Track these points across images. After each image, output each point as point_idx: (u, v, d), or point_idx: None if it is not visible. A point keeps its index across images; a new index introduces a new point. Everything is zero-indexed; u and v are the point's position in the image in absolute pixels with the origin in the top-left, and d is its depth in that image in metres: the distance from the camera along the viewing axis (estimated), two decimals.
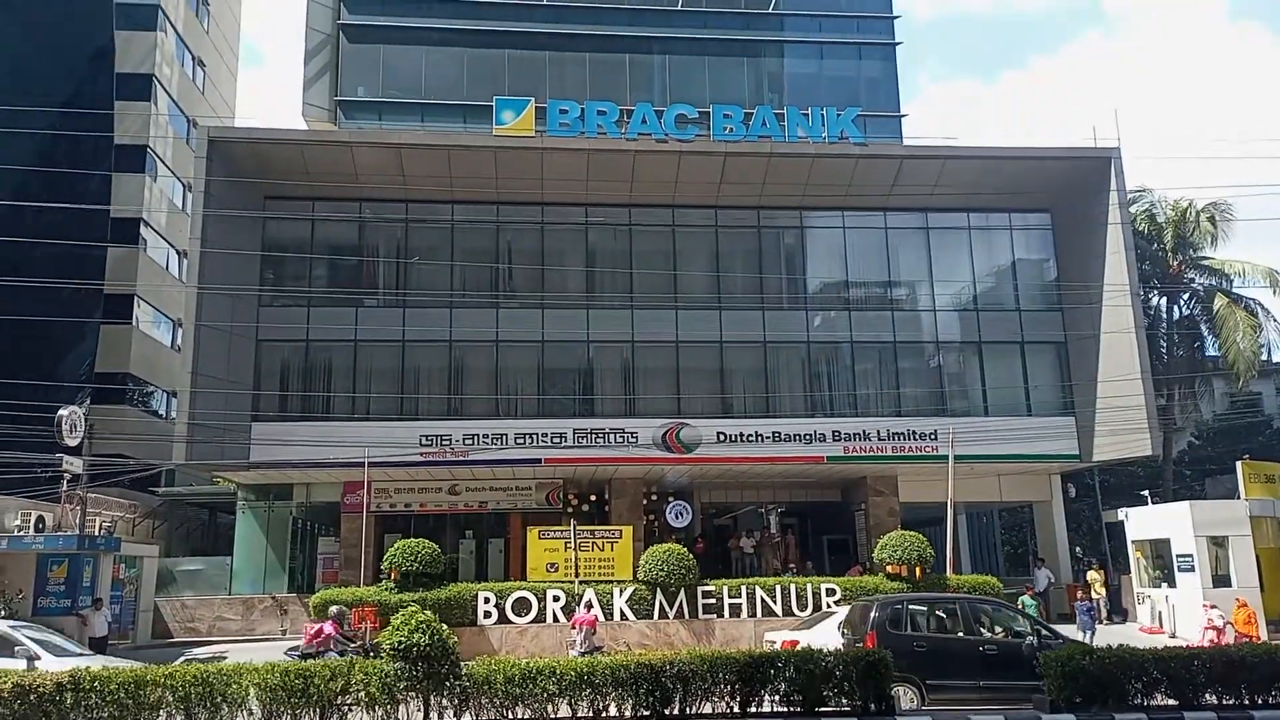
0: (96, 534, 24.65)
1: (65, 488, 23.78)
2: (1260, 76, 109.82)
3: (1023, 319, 29.71)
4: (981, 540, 38.85)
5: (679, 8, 35.71)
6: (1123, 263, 27.63)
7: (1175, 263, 34.71)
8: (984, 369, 29.32)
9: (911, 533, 23.68)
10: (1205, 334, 34.87)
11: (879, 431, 27.64)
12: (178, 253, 37.74)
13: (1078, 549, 33.10)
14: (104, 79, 34.42)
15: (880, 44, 36.44)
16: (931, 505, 27.17)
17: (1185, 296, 35.34)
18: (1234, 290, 33.66)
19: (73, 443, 23.83)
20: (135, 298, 35.38)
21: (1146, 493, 28.99)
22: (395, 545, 22.74)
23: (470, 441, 26.38)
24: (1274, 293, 33.00)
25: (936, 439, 26.95)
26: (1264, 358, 34.96)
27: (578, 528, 23.68)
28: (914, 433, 27.62)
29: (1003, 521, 38.69)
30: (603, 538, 24.03)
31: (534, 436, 26.70)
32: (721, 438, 27.13)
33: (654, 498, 29.99)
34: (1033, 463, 28.60)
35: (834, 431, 27.55)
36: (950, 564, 24.31)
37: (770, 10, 36.23)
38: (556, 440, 26.71)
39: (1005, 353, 29.53)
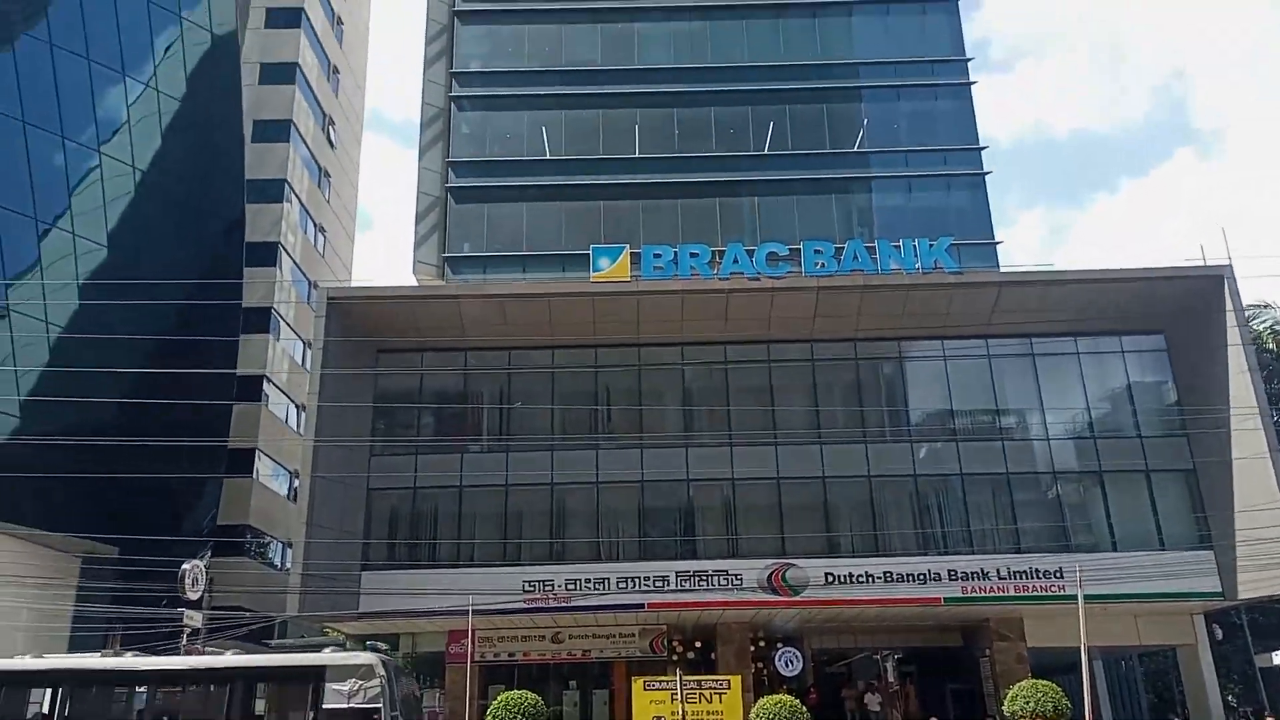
0: None
1: (185, 641, 24.43)
2: None
3: (1145, 446, 28.24)
4: (1122, 688, 35.83)
5: (765, 152, 36.84)
6: (1248, 383, 26.22)
7: None
8: (1108, 500, 27.78)
9: (1044, 682, 22.07)
10: None
11: (999, 570, 26.24)
12: (297, 406, 39.70)
13: (1230, 697, 30.18)
14: (235, 248, 37.41)
15: (969, 174, 36.61)
16: (1063, 650, 25.30)
17: None
18: None
19: (194, 596, 24.64)
20: (257, 452, 37.15)
21: None
22: (498, 698, 22.40)
23: (572, 586, 26.17)
24: None
25: (1062, 577, 25.37)
26: None
27: (684, 678, 22.89)
28: (1037, 571, 26.11)
29: (1144, 667, 35.67)
30: (710, 688, 23.12)
31: (636, 580, 26.34)
32: (830, 579, 26.20)
33: (762, 644, 28.90)
34: (1171, 601, 26.53)
35: (950, 570, 26.29)
36: (1090, 716, 22.40)
37: (856, 149, 37.01)
38: (659, 584, 26.27)
39: (1130, 482, 27.97)
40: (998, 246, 35.70)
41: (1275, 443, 25.92)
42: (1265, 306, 33.91)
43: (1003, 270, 33.54)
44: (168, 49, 37.55)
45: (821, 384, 29.62)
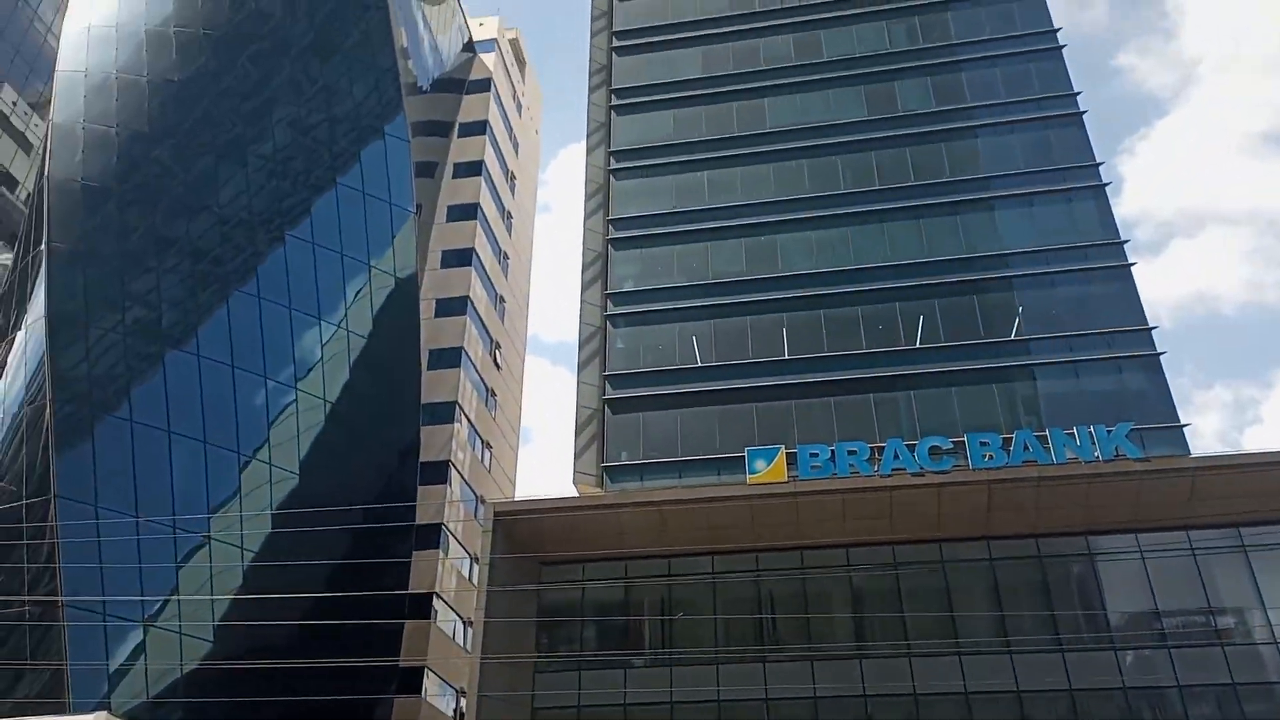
0: None
1: None
2: None
3: None
4: None
5: (917, 345, 36.55)
6: None
7: None
8: None
9: None
10: None
11: None
12: (464, 622, 40.28)
13: None
14: (410, 469, 39.66)
15: (1141, 356, 34.84)
16: None
17: None
18: None
19: None
20: (425, 669, 37.56)
21: None
22: None
23: None
24: None
25: None
26: None
27: None
28: None
29: None
30: None
31: None
32: None
33: None
34: None
35: None
36: None
37: (1014, 336, 36.18)
38: None
39: None
40: (1185, 429, 33.30)
41: None
42: None
43: (1195, 455, 31.11)
44: (358, 293, 41.86)
45: (1004, 585, 27.71)
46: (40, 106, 55.66)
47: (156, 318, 36.86)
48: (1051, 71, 41.82)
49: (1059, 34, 43.15)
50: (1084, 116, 40.41)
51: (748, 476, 29.01)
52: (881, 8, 45.62)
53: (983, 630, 26.67)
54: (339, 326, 40.41)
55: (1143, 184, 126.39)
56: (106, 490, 32.06)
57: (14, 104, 57.06)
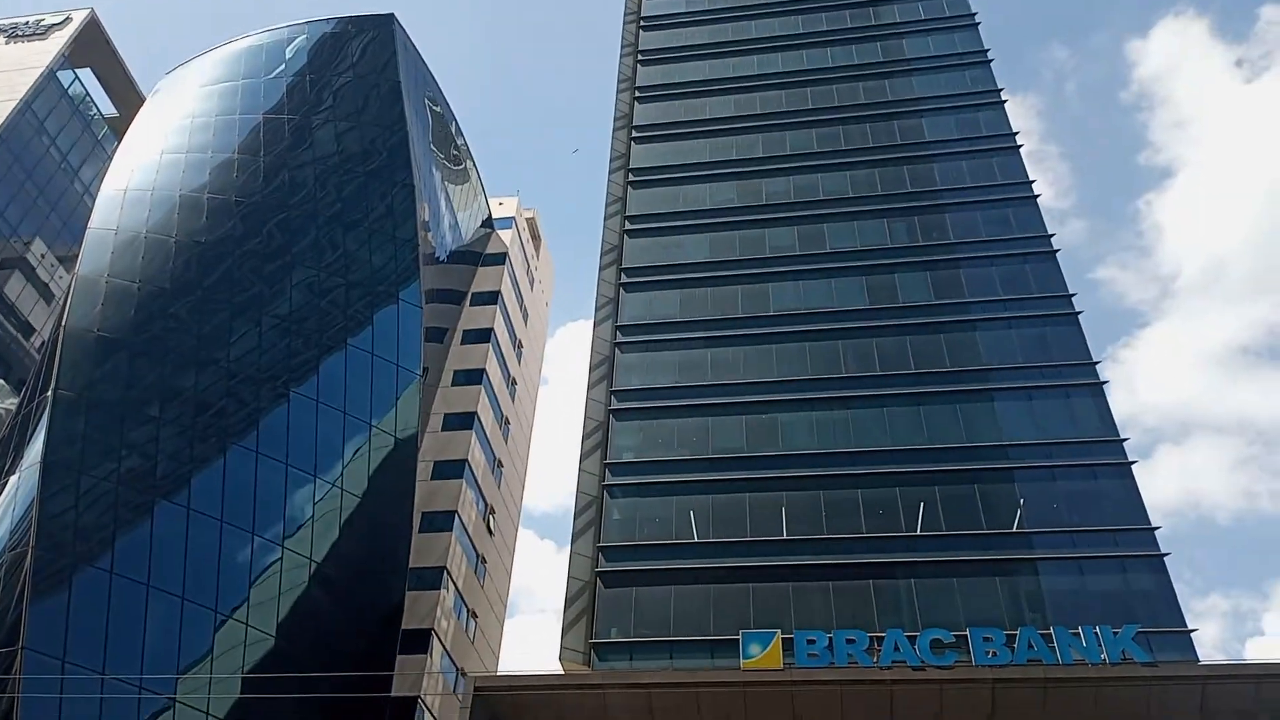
0: None
1: None
2: None
3: None
4: None
5: (918, 532, 36.01)
6: None
7: None
8: None
9: None
10: None
11: None
12: None
13: None
14: (390, 636, 38.21)
15: (1145, 556, 34.20)
16: None
17: None
18: None
19: None
20: None
21: None
22: None
23: None
24: None
25: None
26: None
27: None
28: None
29: None
30: None
31: None
32: None
33: None
34: None
35: None
36: None
37: (1016, 529, 35.67)
38: None
39: None
40: (1193, 634, 32.20)
41: None
42: None
43: (1206, 663, 29.95)
44: (356, 452, 41.79)
45: None
46: (67, 260, 57.78)
47: (151, 467, 36.68)
48: (1046, 273, 43.43)
49: (1052, 239, 45.06)
50: (1079, 317, 41.55)
51: (741, 661, 27.91)
52: (883, 206, 47.94)
53: None
54: (334, 485, 40.10)
55: (1127, 390, 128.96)
56: (76, 644, 30.91)
57: (42, 256, 59.28)
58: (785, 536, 36.88)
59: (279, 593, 36.15)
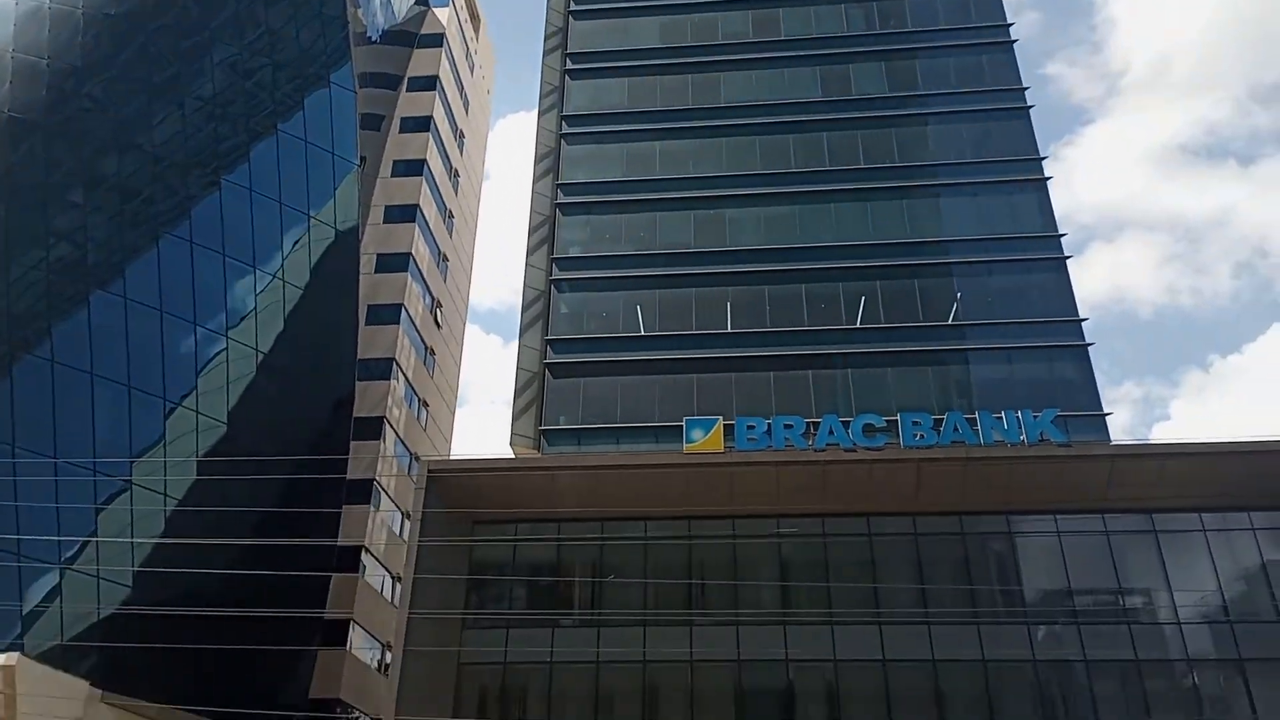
0: None
1: None
2: None
3: None
4: None
5: (858, 325, 37.15)
6: None
7: None
8: (1251, 691, 25.22)
9: None
10: None
11: None
12: (393, 577, 39.97)
13: None
14: (343, 424, 39.03)
15: (1071, 346, 35.96)
16: None
17: None
18: None
19: None
20: (351, 623, 37.20)
21: None
22: None
23: None
24: None
25: None
26: None
27: None
28: None
29: None
30: None
31: None
32: None
33: None
34: None
35: None
36: None
37: (951, 322, 36.99)
38: None
39: (1274, 671, 25.42)
40: (1108, 418, 34.54)
41: None
42: None
43: (1115, 443, 32.34)
44: (296, 244, 40.88)
45: (927, 560, 28.43)
46: None
47: (82, 256, 35.54)
48: (1002, 64, 42.66)
49: (1010, 28, 43.93)
50: (1030, 111, 41.31)
51: (684, 445, 29.21)
52: None
53: (903, 602, 27.42)
54: (275, 277, 39.45)
55: (1066, 188, 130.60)
56: (25, 430, 30.95)
57: None
58: (730, 330, 37.79)
59: (227, 382, 36.28)
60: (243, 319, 37.80)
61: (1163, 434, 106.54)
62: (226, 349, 36.70)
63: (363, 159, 45.78)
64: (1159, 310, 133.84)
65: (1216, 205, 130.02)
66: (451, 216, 53.37)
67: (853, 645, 26.62)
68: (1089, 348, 35.83)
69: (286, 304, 39.66)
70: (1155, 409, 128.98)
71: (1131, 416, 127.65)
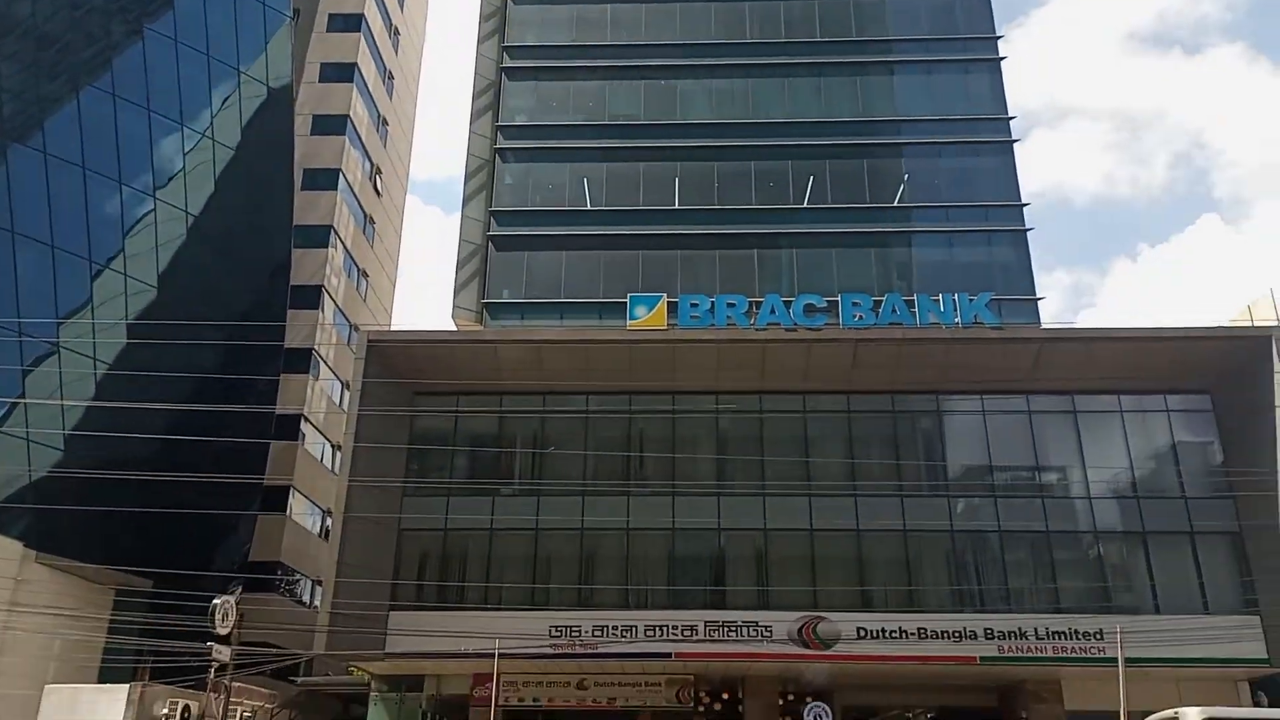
0: None
1: (212, 676, 24.43)
2: None
3: (1190, 507, 27.45)
4: None
5: (805, 205, 37.06)
6: None
7: None
8: (1151, 561, 26.98)
9: None
10: None
11: (1036, 630, 25.50)
12: (333, 446, 40.12)
13: None
14: (280, 291, 38.29)
15: (1010, 230, 36.45)
16: (1103, 714, 24.37)
17: None
18: None
19: (224, 631, 24.64)
20: (291, 490, 37.49)
21: None
22: None
23: (599, 633, 25.86)
24: None
25: (1102, 639, 24.60)
26: None
27: None
28: (1076, 632, 25.33)
29: None
30: None
31: (664, 629, 25.95)
32: (862, 633, 25.62)
33: (790, 698, 28.20)
34: (1214, 667, 25.53)
35: (986, 629, 25.60)
36: None
37: (896, 203, 37.09)
38: (687, 633, 25.86)
39: (1173, 544, 27.15)
40: (1039, 303, 35.41)
41: None
42: None
43: (1044, 326, 33.27)
44: (225, 101, 38.99)
45: (858, 437, 29.30)
46: None
47: None
48: None
49: None
50: None
51: (628, 322, 29.23)
52: None
53: (834, 476, 28.40)
54: (204, 135, 37.79)
55: (1014, 72, 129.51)
56: None
57: None
58: (677, 206, 37.42)
59: (156, 244, 35.14)
60: (171, 179, 36.34)
61: (1089, 320, 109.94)
62: (154, 210, 35.39)
63: (296, 11, 43.36)
64: (1095, 198, 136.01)
65: (1159, 95, 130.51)
66: (391, 78, 51.16)
67: (783, 515, 27.66)
68: (1028, 233, 36.39)
69: (217, 164, 38.16)
70: (1083, 296, 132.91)
71: (1061, 303, 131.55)
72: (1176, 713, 18.94)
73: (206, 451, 29.68)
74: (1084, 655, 25.05)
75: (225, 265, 36.78)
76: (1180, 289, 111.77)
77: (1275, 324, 27.21)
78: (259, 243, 38.64)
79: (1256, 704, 27.32)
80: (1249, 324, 27.84)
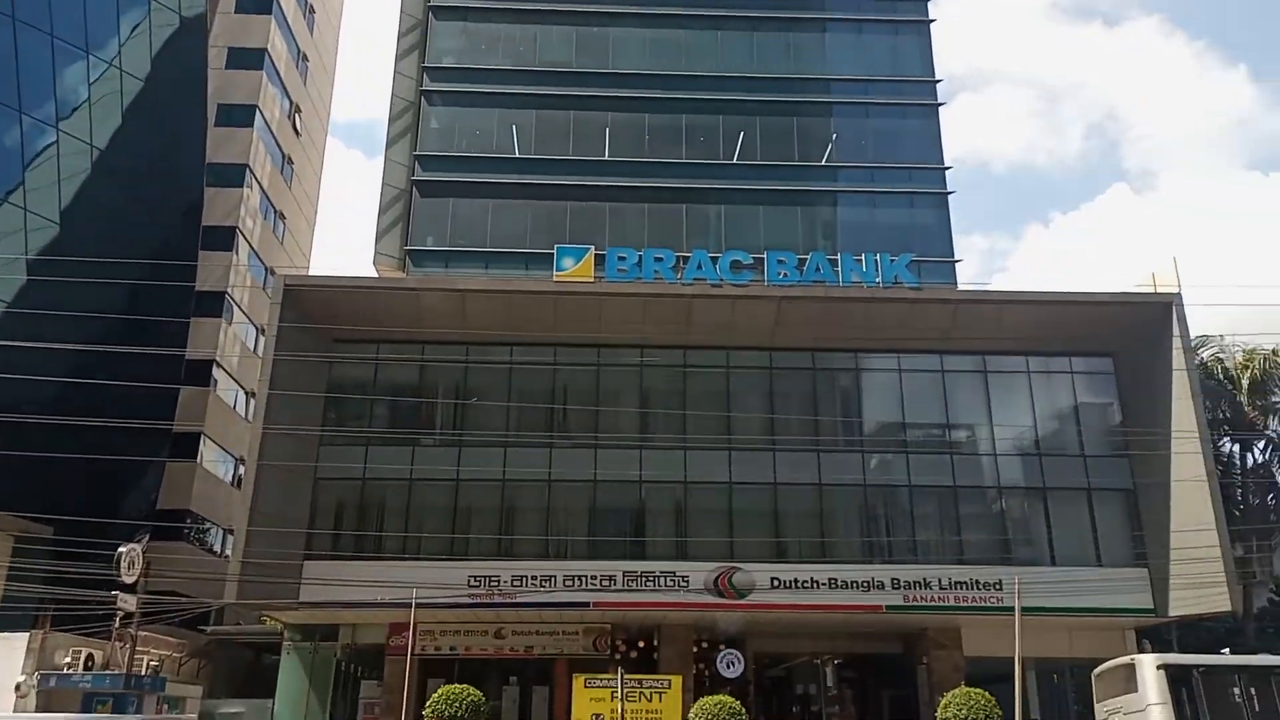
0: (143, 673, 24.56)
1: (117, 625, 23.91)
2: None
3: (1088, 465, 28.76)
4: (1054, 699, 36.21)
5: (734, 161, 37.08)
6: (1191, 409, 26.80)
7: (1251, 410, 33.53)
8: (1049, 516, 28.25)
9: (977, 690, 22.27)
10: None
11: (940, 580, 26.58)
12: (246, 393, 39.11)
13: None
14: (191, 231, 36.85)
15: (933, 193, 37.11)
16: (999, 660, 25.56)
17: (1261, 444, 33.95)
18: None
19: (130, 580, 24.12)
20: (202, 436, 36.50)
21: (1227, 651, 26.93)
22: (438, 691, 22.21)
23: (518, 583, 26.04)
24: None
25: (1001, 589, 25.78)
26: None
27: (625, 676, 22.85)
28: (977, 582, 26.47)
29: (1075, 679, 36.15)
30: (651, 687, 23.11)
31: (583, 579, 26.26)
32: (775, 584, 26.34)
33: (705, 645, 28.94)
34: (1104, 616, 27.05)
35: (893, 579, 26.57)
36: None
37: (824, 162, 37.38)
38: (606, 583, 26.22)
39: (1071, 500, 28.47)
40: (957, 265, 36.26)
41: (1213, 467, 26.56)
42: (1207, 338, 34.68)
43: (961, 288, 34.15)
44: (134, 29, 37.02)
45: (778, 392, 29.80)
46: None
47: None
48: None
49: None
50: None
51: (554, 273, 29.04)
52: None
53: (754, 430, 28.89)
54: (110, 65, 35.88)
55: (941, 36, 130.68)
56: None
57: None
58: (607, 157, 37.02)
59: (59, 179, 33.45)
60: (75, 110, 34.52)
61: (1002, 284, 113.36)
62: (57, 142, 33.65)
63: None
64: (1012, 165, 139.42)
65: (1078, 66, 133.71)
66: (313, 12, 49.18)
67: (702, 468, 28.09)
68: (949, 196, 37.11)
69: (125, 96, 36.34)
70: (998, 260, 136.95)
71: (977, 266, 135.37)
72: (1133, 659, 20.07)
73: (112, 395, 28.59)
74: (983, 605, 26.21)
75: (133, 202, 35.18)
76: (1089, 255, 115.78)
77: (1176, 291, 28.36)
78: (169, 180, 37.02)
79: (1141, 651, 29.04)
80: (1152, 290, 28.94)
